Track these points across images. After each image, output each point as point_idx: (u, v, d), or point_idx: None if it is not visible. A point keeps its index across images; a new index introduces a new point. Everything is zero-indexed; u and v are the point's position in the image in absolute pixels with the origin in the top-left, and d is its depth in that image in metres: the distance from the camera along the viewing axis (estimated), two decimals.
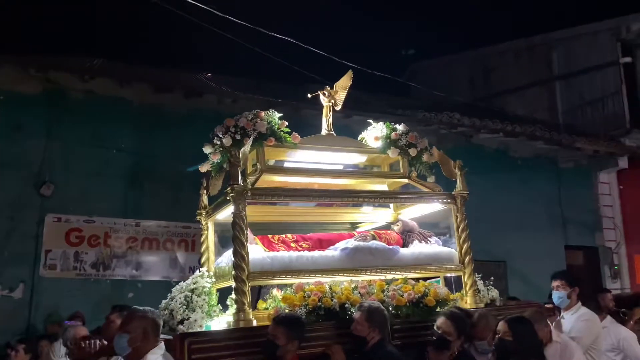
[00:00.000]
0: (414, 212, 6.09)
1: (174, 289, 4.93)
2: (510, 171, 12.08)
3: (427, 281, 5.37)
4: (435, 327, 4.56)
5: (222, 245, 5.42)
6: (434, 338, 4.49)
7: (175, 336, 4.26)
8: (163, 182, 9.10)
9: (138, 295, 8.58)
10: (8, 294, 8.07)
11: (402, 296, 4.97)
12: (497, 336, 4.36)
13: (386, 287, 5.06)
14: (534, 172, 12.37)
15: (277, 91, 10.22)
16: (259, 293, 5.35)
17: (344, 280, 5.04)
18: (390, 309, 4.88)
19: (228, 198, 4.78)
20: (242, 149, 4.89)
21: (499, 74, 16.27)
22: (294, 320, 4.33)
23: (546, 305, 5.79)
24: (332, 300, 4.68)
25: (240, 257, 4.61)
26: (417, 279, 5.32)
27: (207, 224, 5.50)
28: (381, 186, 6.08)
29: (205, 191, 5.57)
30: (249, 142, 5.01)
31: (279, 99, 9.49)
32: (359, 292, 4.90)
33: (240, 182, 4.73)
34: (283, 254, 4.99)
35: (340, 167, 5.92)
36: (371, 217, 6.33)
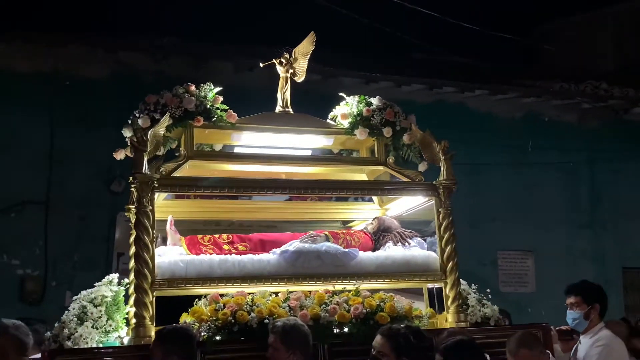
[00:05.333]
0: (401, 207, 4.96)
1: (75, 298, 4.19)
2: None
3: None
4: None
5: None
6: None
7: (44, 353, 3.67)
8: None
9: None
10: None
11: (347, 311, 3.92)
12: None
13: (328, 299, 3.99)
14: None
15: (373, 64, 8.43)
16: None
17: (279, 291, 4.07)
18: (334, 326, 3.90)
19: (132, 189, 4.00)
20: (151, 130, 4.10)
21: None
22: (173, 333, 3.48)
23: (561, 327, 4.45)
24: (249, 314, 3.76)
25: (142, 262, 3.92)
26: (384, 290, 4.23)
27: None
28: (360, 175, 5.00)
29: None
30: (164, 120, 4.18)
31: (377, 73, 8.01)
32: (289, 306, 3.89)
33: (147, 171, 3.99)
34: (202, 258, 4.13)
35: (308, 153, 4.91)
36: (351, 214, 5.26)
